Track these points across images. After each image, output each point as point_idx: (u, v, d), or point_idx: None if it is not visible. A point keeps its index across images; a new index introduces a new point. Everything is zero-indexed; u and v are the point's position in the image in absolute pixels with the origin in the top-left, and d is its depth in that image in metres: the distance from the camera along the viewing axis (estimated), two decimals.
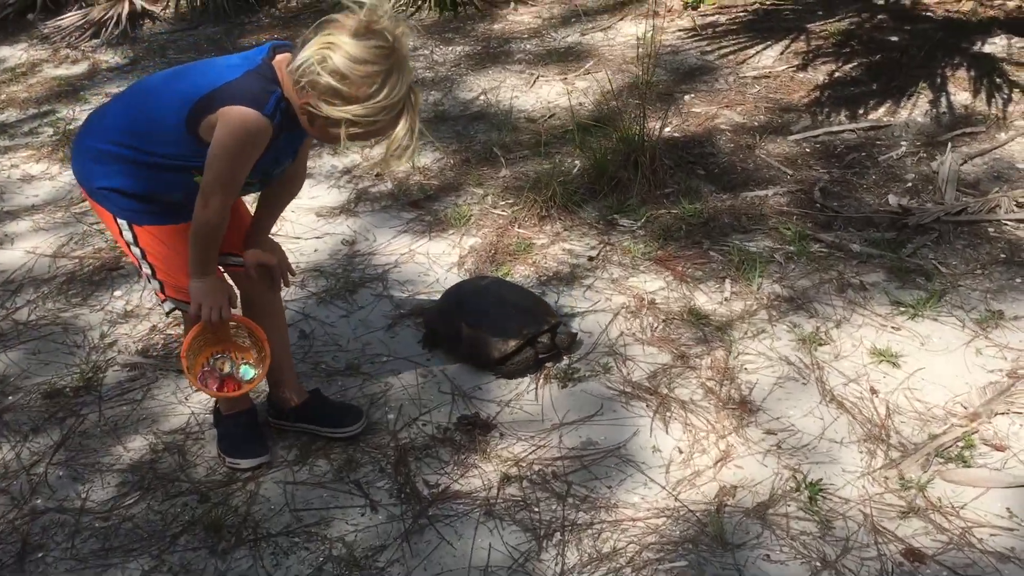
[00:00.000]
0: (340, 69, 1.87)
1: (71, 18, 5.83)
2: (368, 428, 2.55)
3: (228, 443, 2.48)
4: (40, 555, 2.24)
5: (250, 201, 2.47)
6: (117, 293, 3.21)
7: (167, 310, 2.35)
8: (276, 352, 2.49)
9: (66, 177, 4.00)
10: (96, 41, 5.65)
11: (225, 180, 2.04)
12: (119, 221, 2.20)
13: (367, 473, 2.42)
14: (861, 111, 4.01)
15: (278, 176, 2.24)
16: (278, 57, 2.03)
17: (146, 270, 2.25)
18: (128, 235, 2.20)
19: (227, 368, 2.37)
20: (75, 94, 4.96)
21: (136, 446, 2.56)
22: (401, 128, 1.96)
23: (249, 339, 2.39)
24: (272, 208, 2.39)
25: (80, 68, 5.34)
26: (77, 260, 3.42)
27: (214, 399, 2.57)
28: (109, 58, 5.43)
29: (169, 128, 2.05)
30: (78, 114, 4.68)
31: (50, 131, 4.54)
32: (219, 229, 2.13)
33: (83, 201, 3.75)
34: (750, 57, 4.61)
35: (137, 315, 3.09)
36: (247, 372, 2.38)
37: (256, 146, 2.00)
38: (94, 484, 2.44)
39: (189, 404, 2.69)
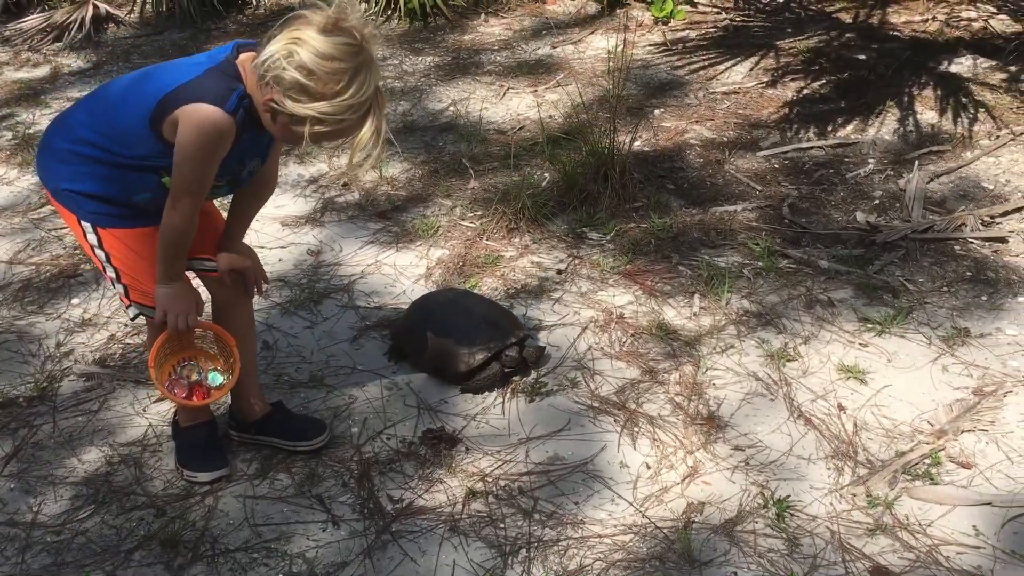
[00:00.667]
0: (307, 64, 1.84)
1: (33, 21, 5.73)
2: (331, 441, 2.50)
3: (186, 456, 2.42)
4: None
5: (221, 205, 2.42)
6: (75, 301, 3.14)
7: (131, 316, 2.29)
8: (243, 361, 2.43)
9: (24, 182, 3.91)
10: (59, 45, 5.55)
11: (191, 181, 2.00)
12: (83, 224, 2.14)
13: (329, 487, 2.37)
14: (829, 128, 4.04)
15: (247, 179, 2.20)
16: (242, 55, 2.00)
17: (110, 273, 2.20)
18: (92, 238, 2.15)
19: (195, 376, 2.32)
20: (36, 98, 4.86)
21: (91, 458, 2.48)
22: (367, 129, 1.92)
23: (216, 346, 2.34)
24: (244, 213, 2.35)
25: (42, 72, 5.24)
26: (34, 267, 3.34)
27: (173, 411, 2.51)
28: (72, 62, 5.34)
29: (135, 129, 2.02)
30: (38, 118, 4.58)
31: (9, 135, 4.43)
32: (188, 234, 2.09)
33: (42, 206, 3.67)
34: (720, 73, 4.63)
35: (95, 324, 3.02)
36: (215, 379, 2.33)
37: (220, 144, 1.96)
38: (46, 497, 2.36)
39: (147, 416, 2.63)
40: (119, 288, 2.22)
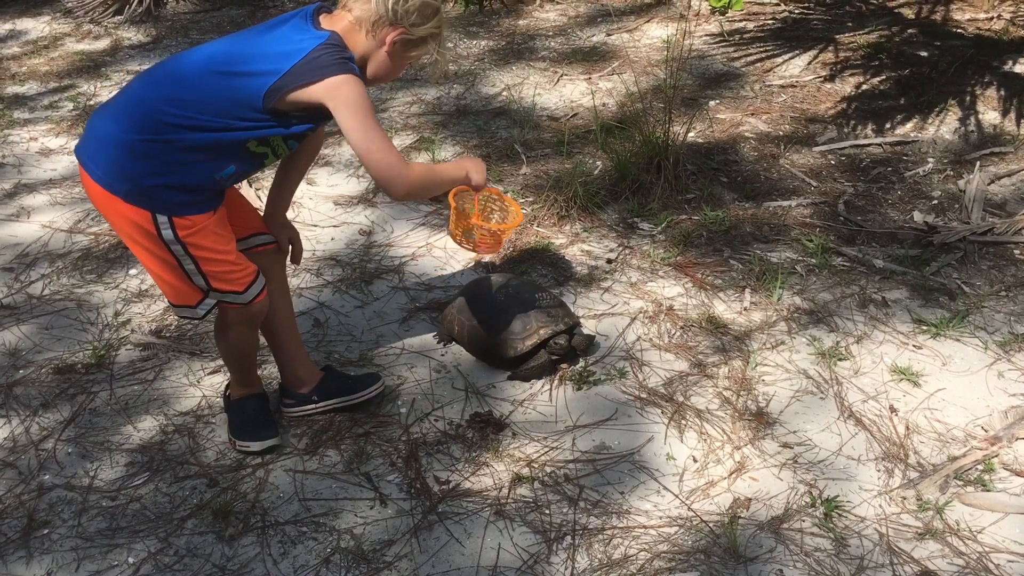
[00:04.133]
0: None
1: None
2: (380, 421, 2.53)
3: (238, 427, 2.46)
4: (46, 531, 2.22)
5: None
6: (132, 272, 3.19)
7: (201, 314, 2.24)
8: (288, 334, 2.55)
9: None
10: (119, 18, 5.64)
11: (378, 138, 2.07)
12: (159, 218, 2.08)
13: (377, 466, 2.40)
14: (888, 125, 3.98)
15: (294, 145, 2.24)
16: (323, 20, 2.12)
17: (188, 266, 2.15)
18: (168, 232, 2.09)
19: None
20: (96, 70, 4.95)
21: (146, 426, 2.54)
22: (445, 31, 2.26)
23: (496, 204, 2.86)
24: (291, 178, 2.47)
25: (102, 44, 5.33)
26: (93, 236, 3.40)
27: (225, 384, 2.55)
28: (132, 35, 5.42)
29: (238, 98, 2.04)
30: (99, 90, 4.66)
31: (70, 106, 4.52)
32: (423, 171, 2.27)
33: None
34: (777, 66, 4.58)
35: (151, 295, 3.07)
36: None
37: (369, 99, 2.10)
38: (103, 463, 2.42)
39: (201, 387, 2.67)
40: (197, 281, 2.18)
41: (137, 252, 2.19)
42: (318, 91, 2.02)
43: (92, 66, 5.01)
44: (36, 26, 5.65)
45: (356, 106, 2.04)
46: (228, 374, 2.53)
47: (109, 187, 2.09)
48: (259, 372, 2.65)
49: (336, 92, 2.03)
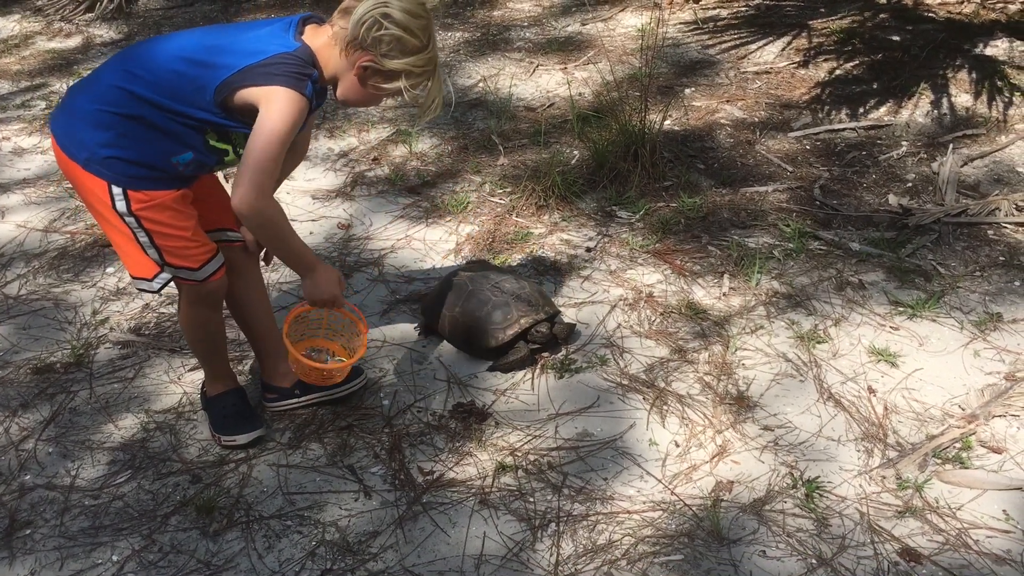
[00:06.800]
0: (402, 23, 2.04)
1: None
2: (362, 414, 2.53)
3: (220, 423, 2.46)
4: (28, 532, 2.20)
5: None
6: (109, 270, 3.17)
7: (157, 287, 2.24)
8: (266, 328, 2.54)
9: None
10: (91, 15, 5.59)
11: (269, 160, 2.02)
12: (114, 189, 2.10)
13: (361, 458, 2.40)
14: (862, 110, 4.01)
15: None
16: (308, 31, 2.11)
17: (142, 239, 2.16)
18: (122, 204, 2.11)
19: (324, 359, 2.57)
20: (68, 68, 4.90)
21: (127, 424, 2.52)
22: (438, 77, 2.15)
23: (343, 327, 2.58)
24: None
25: (74, 42, 5.28)
26: (69, 235, 3.38)
27: (202, 382, 2.54)
28: (103, 33, 5.37)
29: (194, 88, 2.05)
30: None
31: (43, 104, 4.48)
32: (281, 212, 2.14)
33: None
34: (751, 52, 4.59)
35: (129, 293, 3.05)
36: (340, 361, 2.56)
37: (297, 127, 2.05)
38: (84, 462, 2.41)
39: (181, 384, 2.66)
40: (151, 254, 2.19)
41: (97, 220, 2.22)
42: (258, 93, 2.01)
43: (64, 64, 4.96)
44: (6, 25, 5.59)
45: (279, 122, 2.00)
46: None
47: (70, 154, 2.13)
48: (239, 367, 2.65)
49: (271, 100, 2.01)
